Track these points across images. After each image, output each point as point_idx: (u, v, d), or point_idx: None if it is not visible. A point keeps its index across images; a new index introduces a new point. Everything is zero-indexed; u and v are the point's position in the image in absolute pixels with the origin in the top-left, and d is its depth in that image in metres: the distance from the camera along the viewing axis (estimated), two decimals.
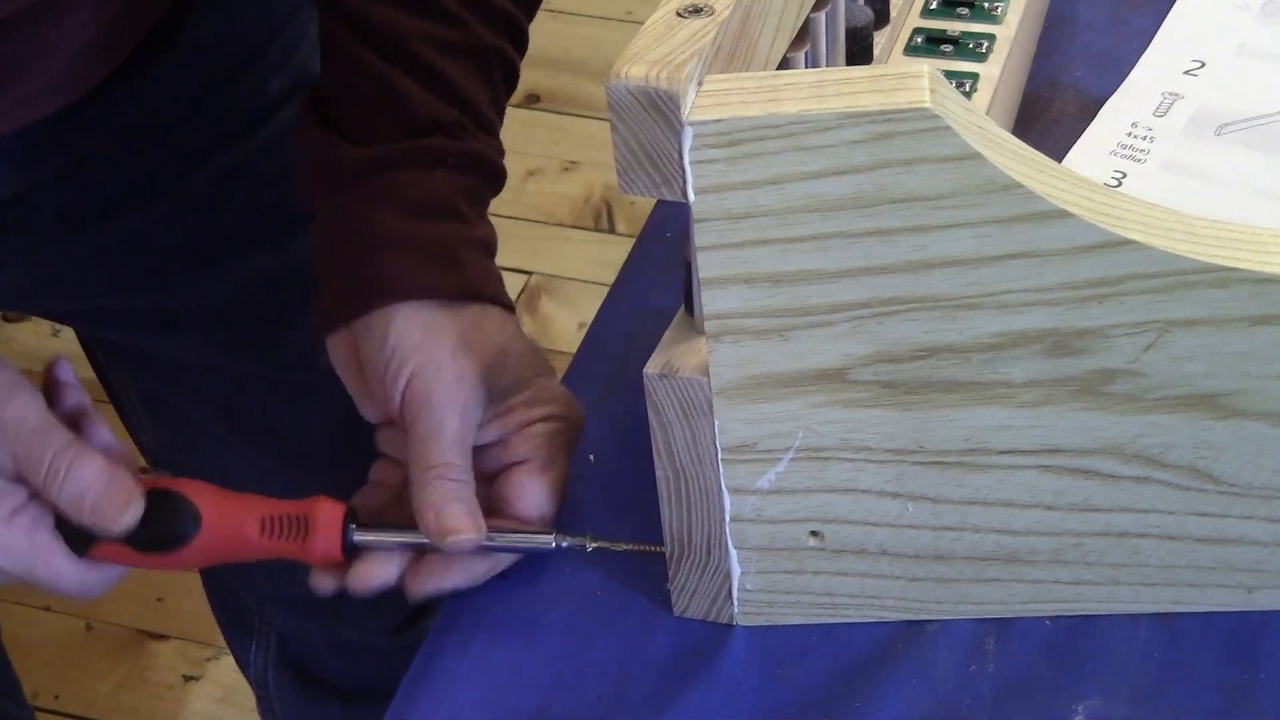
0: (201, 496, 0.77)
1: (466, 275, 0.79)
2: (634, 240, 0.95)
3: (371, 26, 0.83)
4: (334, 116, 0.83)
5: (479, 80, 0.83)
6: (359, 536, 0.77)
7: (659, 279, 0.91)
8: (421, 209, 0.80)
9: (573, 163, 2.22)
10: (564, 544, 0.76)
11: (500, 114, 0.86)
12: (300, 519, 0.76)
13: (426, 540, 0.76)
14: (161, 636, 1.79)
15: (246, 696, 1.35)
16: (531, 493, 0.79)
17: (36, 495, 0.76)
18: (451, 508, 0.75)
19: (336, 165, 0.82)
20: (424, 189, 0.81)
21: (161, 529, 0.76)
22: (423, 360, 0.77)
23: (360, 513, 0.78)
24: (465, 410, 0.77)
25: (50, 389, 0.79)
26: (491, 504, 0.79)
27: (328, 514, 0.76)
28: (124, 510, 0.75)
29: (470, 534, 0.75)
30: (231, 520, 0.77)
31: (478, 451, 0.79)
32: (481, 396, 0.78)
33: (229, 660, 1.35)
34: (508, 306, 0.81)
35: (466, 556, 0.77)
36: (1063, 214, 0.64)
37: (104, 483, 0.75)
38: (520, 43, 0.87)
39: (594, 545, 0.77)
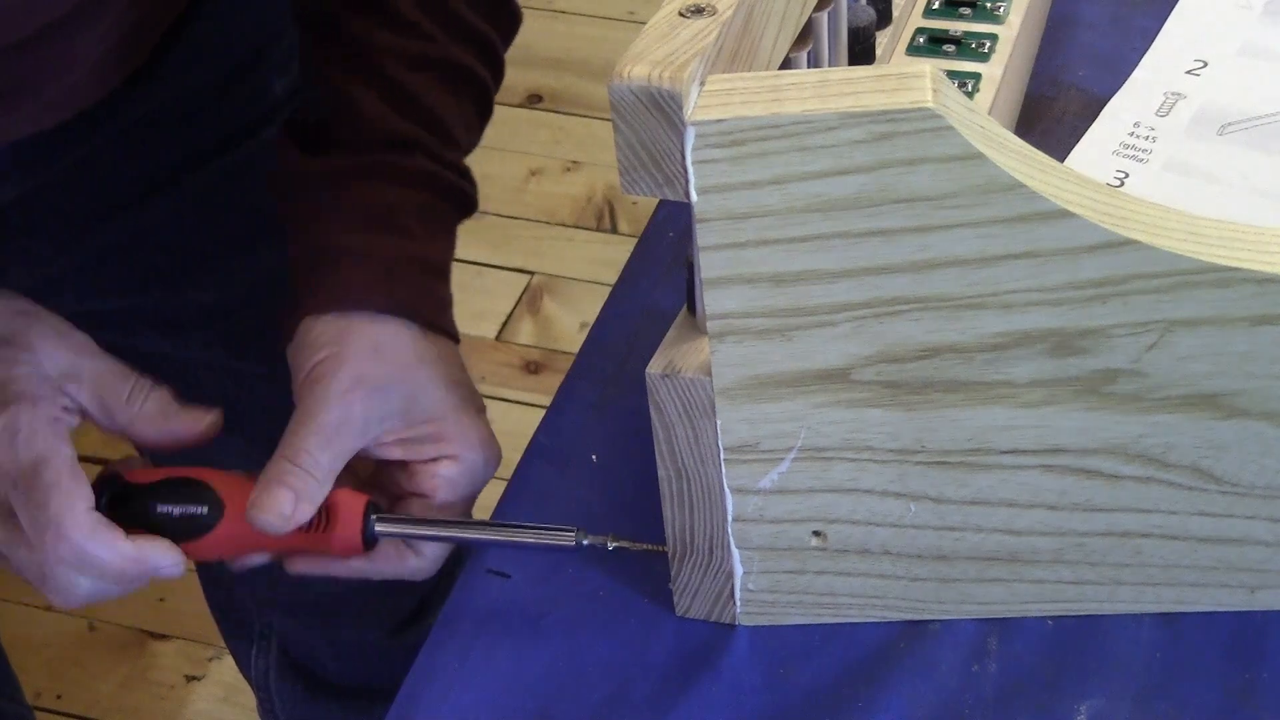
0: (225, 485, 0.77)
1: (393, 290, 0.79)
2: (636, 240, 0.95)
3: (341, 39, 0.83)
4: (298, 128, 0.84)
5: (444, 95, 0.83)
6: (380, 528, 0.77)
7: (661, 279, 0.91)
8: (363, 223, 0.80)
9: (575, 163, 2.22)
10: (585, 542, 0.76)
11: (470, 132, 0.85)
12: (321, 509, 0.76)
13: (447, 533, 0.76)
14: (163, 636, 1.79)
15: (248, 696, 1.35)
16: None
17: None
18: (274, 489, 0.75)
19: (292, 177, 0.82)
20: (364, 203, 0.80)
21: (184, 516, 0.76)
22: (324, 356, 0.77)
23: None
24: (350, 409, 0.76)
25: None
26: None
27: (349, 505, 0.76)
28: (207, 415, 0.78)
29: (269, 517, 0.74)
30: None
31: (383, 471, 0.80)
32: (383, 406, 0.77)
33: (231, 660, 1.35)
34: (445, 331, 0.81)
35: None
36: (1065, 214, 0.64)
37: (181, 404, 0.78)
38: (494, 66, 0.87)
39: (615, 544, 0.76)
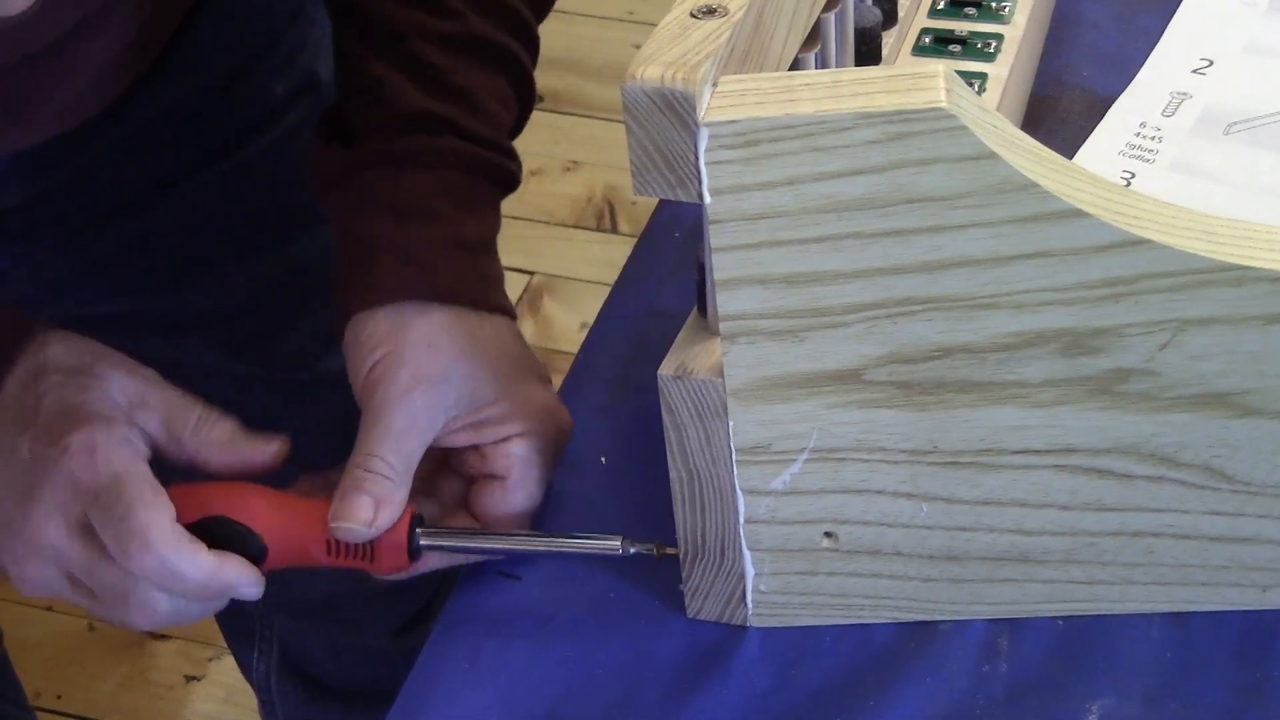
0: (260, 513, 0.76)
1: (434, 278, 0.79)
2: (636, 240, 0.95)
3: (370, 23, 0.83)
4: (330, 118, 0.83)
5: (473, 71, 0.83)
6: (425, 541, 0.76)
7: (662, 279, 0.91)
8: (392, 212, 0.80)
9: (575, 163, 2.22)
10: (631, 550, 0.75)
11: (506, 106, 0.84)
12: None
13: (491, 544, 0.77)
14: (163, 636, 1.79)
15: (249, 697, 1.35)
16: (500, 511, 0.79)
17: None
18: (352, 497, 0.75)
19: (327, 169, 0.82)
20: (395, 192, 0.80)
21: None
22: (381, 356, 0.77)
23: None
24: (414, 408, 0.76)
25: None
26: (468, 508, 0.80)
27: (395, 523, 0.76)
28: (273, 443, 0.78)
29: (353, 525, 0.74)
30: (297, 546, 0.76)
31: (455, 454, 0.79)
32: (445, 398, 0.77)
33: (231, 660, 1.35)
34: (496, 308, 0.80)
35: None
36: (1079, 213, 0.64)
37: (247, 433, 0.78)
38: (528, 41, 0.86)
39: (662, 553, 0.75)
